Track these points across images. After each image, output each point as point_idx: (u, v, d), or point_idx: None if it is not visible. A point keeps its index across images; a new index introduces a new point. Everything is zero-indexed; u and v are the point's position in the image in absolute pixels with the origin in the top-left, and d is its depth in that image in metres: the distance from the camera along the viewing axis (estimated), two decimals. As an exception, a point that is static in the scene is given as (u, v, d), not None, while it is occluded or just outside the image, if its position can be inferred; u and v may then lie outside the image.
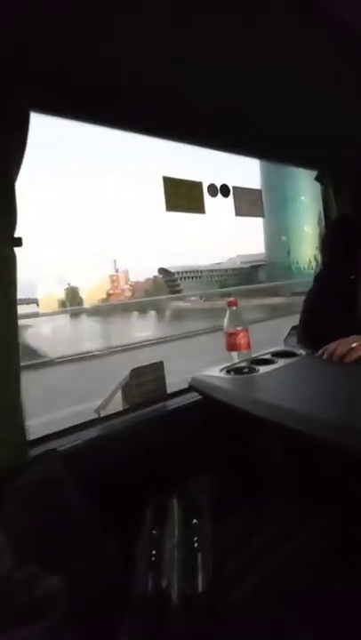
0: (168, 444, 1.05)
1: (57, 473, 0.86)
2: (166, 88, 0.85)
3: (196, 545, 0.80)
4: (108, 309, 7.76)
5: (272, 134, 1.16)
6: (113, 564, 0.80)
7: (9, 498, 0.76)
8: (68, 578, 0.53)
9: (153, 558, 0.78)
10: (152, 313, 8.14)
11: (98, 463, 0.94)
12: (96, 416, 1.08)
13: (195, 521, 0.86)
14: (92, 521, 0.83)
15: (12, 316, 0.83)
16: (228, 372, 1.15)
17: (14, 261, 0.82)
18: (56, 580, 0.54)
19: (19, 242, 0.83)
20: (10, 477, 0.79)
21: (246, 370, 1.15)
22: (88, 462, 0.94)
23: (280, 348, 1.30)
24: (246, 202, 1.27)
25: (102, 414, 1.08)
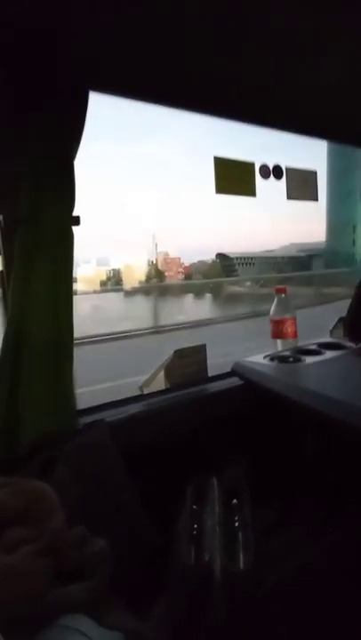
0: (208, 425, 1.07)
1: (104, 441, 0.92)
2: (228, 67, 0.84)
3: (236, 524, 0.82)
4: (165, 289, 7.95)
5: (346, 113, 1.09)
6: (153, 533, 0.84)
7: (60, 462, 0.82)
8: (110, 544, 0.57)
9: (195, 532, 0.80)
10: (208, 295, 8.19)
11: (141, 436, 0.99)
12: (140, 393, 1.14)
13: (235, 501, 0.88)
14: (133, 490, 0.88)
15: (69, 291, 0.88)
16: (272, 359, 1.14)
17: (72, 240, 0.86)
18: (103, 542, 0.57)
19: (77, 221, 0.87)
20: (61, 443, 0.86)
21: (291, 359, 1.12)
22: (132, 435, 0.99)
23: (326, 339, 1.24)
24: (299, 184, 1.21)
25: (145, 392, 1.13)
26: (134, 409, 1.06)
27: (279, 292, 1.17)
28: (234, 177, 1.15)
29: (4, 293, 0.89)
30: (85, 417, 1.01)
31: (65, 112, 0.81)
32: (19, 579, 0.47)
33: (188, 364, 1.19)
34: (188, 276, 9.93)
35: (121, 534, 0.76)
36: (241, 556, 0.77)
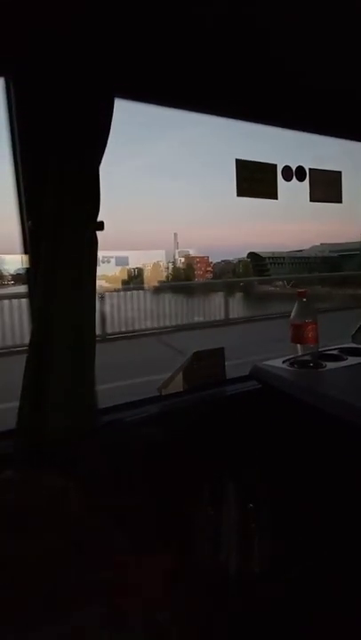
0: (225, 427, 1.07)
1: (122, 441, 0.95)
2: (248, 72, 0.84)
3: (252, 528, 0.82)
4: (195, 288, 8.00)
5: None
6: (168, 532, 0.85)
7: (80, 459, 0.86)
8: (127, 539, 0.59)
9: (211, 534, 0.81)
10: (239, 294, 8.14)
11: (158, 437, 1.01)
12: (158, 394, 1.16)
13: (251, 505, 0.88)
14: (149, 489, 0.90)
15: (92, 294, 0.91)
16: (292, 364, 1.12)
17: (96, 244, 0.89)
18: (121, 540, 0.58)
19: (101, 226, 0.89)
20: (82, 440, 0.89)
21: (312, 364, 1.10)
22: (149, 435, 1.01)
23: (349, 344, 1.20)
24: (323, 185, 1.17)
25: (163, 393, 1.15)
26: (152, 410, 1.08)
27: (301, 295, 1.15)
28: (256, 179, 1.14)
29: (30, 296, 0.93)
30: (105, 416, 1.05)
31: (90, 119, 0.83)
32: (39, 569, 0.50)
33: (206, 367, 1.19)
34: (216, 275, 9.85)
35: (138, 531, 0.78)
36: (257, 558, 0.78)
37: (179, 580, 0.77)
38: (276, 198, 1.16)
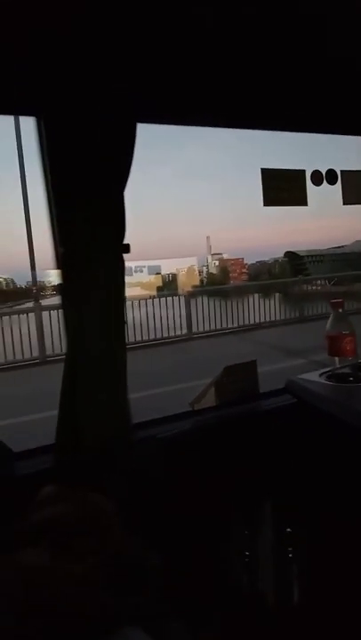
0: (259, 444, 1.04)
1: (155, 458, 0.95)
2: (266, 80, 0.83)
3: (290, 555, 0.78)
4: (233, 290, 8.04)
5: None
6: (200, 553, 0.84)
7: (113, 476, 0.86)
8: (160, 559, 0.59)
9: (247, 559, 0.79)
10: (278, 295, 8.01)
11: (191, 453, 1.00)
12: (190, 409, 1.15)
13: (289, 529, 0.84)
14: (182, 507, 0.90)
15: (121, 315, 0.93)
16: (330, 377, 1.06)
17: (123, 266, 0.91)
18: (157, 557, 0.59)
19: (127, 248, 0.92)
20: (115, 458, 0.90)
21: (351, 378, 1.04)
22: (182, 451, 1.00)
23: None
24: (358, 187, 1.11)
25: (196, 408, 1.14)
26: (185, 425, 1.08)
27: (336, 306, 1.09)
28: (283, 187, 1.10)
29: (65, 316, 0.97)
30: (139, 432, 1.06)
31: (114, 145, 0.86)
32: (83, 588, 0.51)
33: (238, 381, 1.17)
34: (252, 277, 9.68)
35: (170, 551, 0.78)
36: (296, 589, 0.74)
37: (213, 602, 0.75)
38: (306, 205, 1.12)
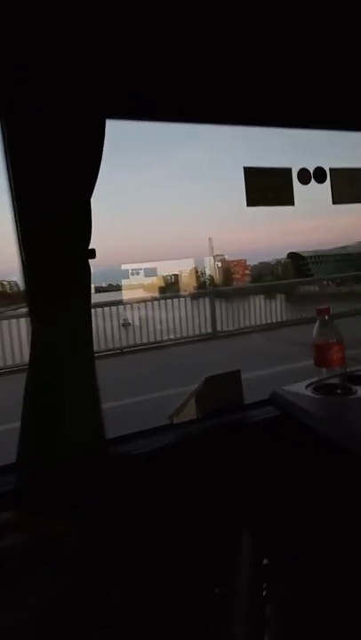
0: (242, 458, 0.98)
1: (132, 476, 0.89)
2: (247, 73, 0.77)
3: (264, 592, 0.72)
4: (236, 292, 8.02)
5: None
6: (170, 586, 0.78)
7: (87, 495, 0.80)
8: (134, 583, 0.53)
9: (216, 594, 0.72)
10: (280, 296, 8.01)
11: (169, 471, 0.94)
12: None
13: (265, 561, 0.77)
14: (157, 532, 0.84)
15: (88, 320, 0.89)
16: (316, 389, 1.00)
17: (89, 272, 0.87)
18: (127, 592, 0.53)
19: (93, 254, 0.87)
20: (89, 475, 0.85)
21: (339, 390, 0.97)
22: (160, 469, 0.95)
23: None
24: (349, 185, 1.04)
25: (175, 421, 1.08)
26: (164, 440, 1.02)
27: (321, 313, 1.02)
28: (268, 187, 1.04)
29: (30, 323, 0.92)
30: (115, 447, 1.00)
31: (79, 145, 0.81)
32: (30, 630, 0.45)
33: (221, 391, 1.11)
34: (255, 278, 9.62)
35: (139, 583, 0.72)
36: (266, 635, 0.67)
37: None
38: (293, 204, 1.05)
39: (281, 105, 0.92)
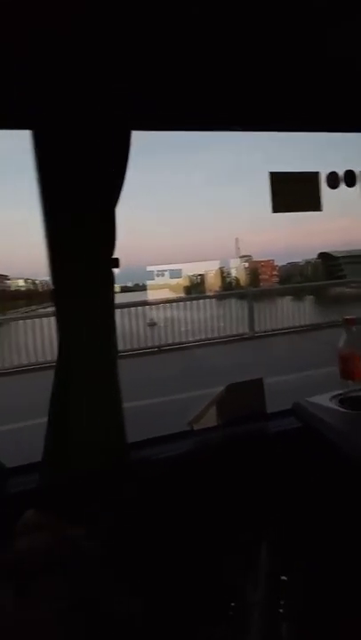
0: (262, 469, 0.96)
1: (150, 482, 0.90)
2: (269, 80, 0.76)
3: (281, 610, 0.70)
4: (264, 293, 7.86)
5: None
6: (186, 599, 0.77)
7: (106, 499, 0.83)
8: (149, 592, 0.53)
9: (231, 611, 0.71)
10: (310, 298, 7.81)
11: (188, 478, 0.94)
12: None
13: (284, 577, 0.75)
14: (173, 541, 0.84)
15: (112, 328, 0.91)
16: (342, 401, 0.96)
17: (113, 281, 0.90)
18: (139, 605, 0.53)
19: (116, 263, 0.89)
20: (109, 479, 0.87)
21: (367, 403, 0.93)
22: (178, 476, 0.94)
23: None
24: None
25: (195, 428, 1.08)
26: (183, 446, 1.02)
27: (348, 323, 0.98)
28: (294, 192, 1.01)
29: (57, 331, 0.95)
30: (135, 451, 1.01)
31: (105, 157, 0.82)
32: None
33: (242, 399, 1.09)
34: (284, 279, 9.40)
35: (154, 596, 0.72)
36: None
37: None
38: (320, 210, 1.02)
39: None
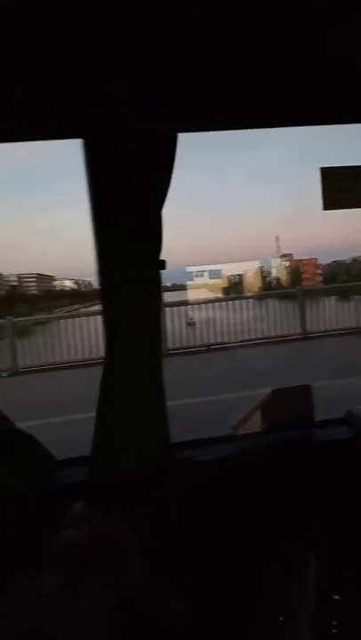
0: (308, 480, 0.92)
1: (193, 484, 0.90)
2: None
3: (334, 630, 0.66)
4: (310, 293, 7.52)
5: None
6: (229, 604, 0.75)
7: (147, 500, 0.83)
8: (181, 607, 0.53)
9: (280, 623, 0.68)
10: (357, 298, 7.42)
11: (230, 483, 0.92)
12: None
13: (336, 597, 0.71)
14: (214, 545, 0.83)
15: (158, 329, 0.91)
16: None
17: (160, 282, 0.90)
18: (182, 605, 0.53)
19: (163, 265, 0.89)
20: (150, 479, 0.87)
21: None
22: (220, 480, 0.93)
23: None
24: None
25: (239, 432, 1.05)
26: (225, 450, 1.00)
27: None
28: (349, 187, 0.96)
29: (104, 333, 0.97)
30: (177, 451, 1.00)
31: (150, 158, 0.83)
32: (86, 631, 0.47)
33: (288, 405, 1.05)
34: (328, 279, 9.01)
35: (195, 597, 0.71)
36: None
37: None
38: (377, 206, 0.95)
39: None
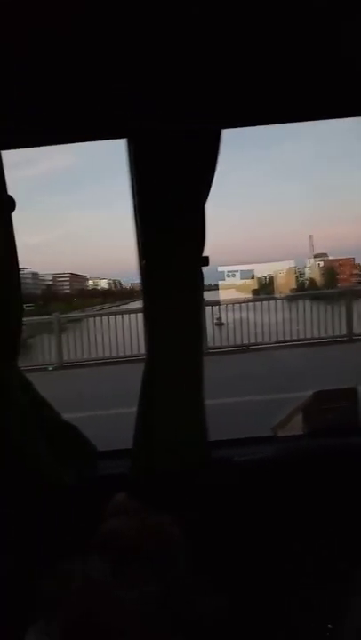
0: (353, 489, 0.88)
1: (231, 483, 0.89)
2: None
3: None
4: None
5: None
6: (272, 606, 0.74)
7: (187, 497, 0.84)
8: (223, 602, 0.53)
9: (328, 633, 0.66)
10: None
11: (268, 484, 0.90)
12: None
13: None
14: (255, 544, 0.81)
15: (200, 327, 0.91)
16: None
17: (202, 279, 0.90)
18: (223, 602, 0.53)
19: (206, 261, 0.89)
20: (190, 477, 0.88)
21: None
22: (259, 480, 0.91)
23: None
24: None
25: (279, 434, 1.03)
26: (265, 451, 0.98)
27: None
28: None
29: (145, 330, 0.97)
30: (215, 450, 0.99)
31: (194, 155, 0.83)
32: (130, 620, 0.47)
33: (331, 409, 1.01)
34: (365, 278, 8.65)
35: (237, 595, 0.70)
36: None
37: None
38: None
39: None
